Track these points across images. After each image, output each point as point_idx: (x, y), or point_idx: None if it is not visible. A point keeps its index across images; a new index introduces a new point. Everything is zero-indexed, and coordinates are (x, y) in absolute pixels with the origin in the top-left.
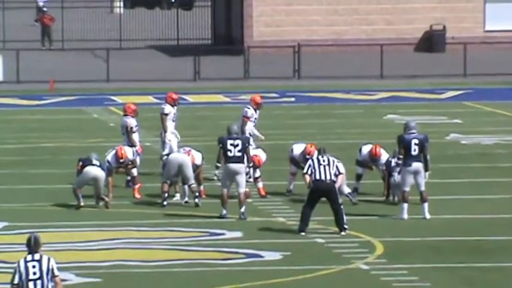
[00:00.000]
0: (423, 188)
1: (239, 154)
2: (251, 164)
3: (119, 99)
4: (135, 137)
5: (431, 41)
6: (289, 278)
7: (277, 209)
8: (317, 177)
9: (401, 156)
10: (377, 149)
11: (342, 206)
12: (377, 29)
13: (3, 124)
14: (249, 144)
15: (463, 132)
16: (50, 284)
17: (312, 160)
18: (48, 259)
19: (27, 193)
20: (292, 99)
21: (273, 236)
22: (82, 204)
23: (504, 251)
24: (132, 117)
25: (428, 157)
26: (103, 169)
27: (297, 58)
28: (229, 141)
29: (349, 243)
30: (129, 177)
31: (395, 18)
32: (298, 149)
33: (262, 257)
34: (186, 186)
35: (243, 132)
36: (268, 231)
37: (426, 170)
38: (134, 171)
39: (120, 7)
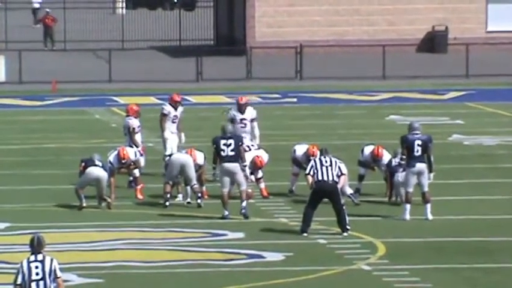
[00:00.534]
0: (426, 189)
1: (232, 153)
2: (245, 164)
3: (121, 100)
4: (137, 137)
5: (433, 42)
6: (291, 278)
7: (280, 210)
8: (319, 178)
9: (404, 157)
10: (379, 150)
11: (344, 207)
12: (379, 29)
13: (6, 125)
14: (242, 143)
15: (465, 133)
16: (53, 285)
17: (315, 161)
18: (51, 260)
19: (29, 194)
20: (295, 99)
21: (275, 236)
22: (84, 204)
23: (507, 252)
24: (135, 118)
25: (432, 158)
26: (105, 170)
27: (299, 59)
28: (222, 141)
29: (351, 244)
30: (131, 178)
31: (397, 19)
32: (300, 149)
33: (264, 257)
34: (188, 187)
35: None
36: (270, 232)
37: (430, 171)
38: (137, 172)
39: (122, 8)
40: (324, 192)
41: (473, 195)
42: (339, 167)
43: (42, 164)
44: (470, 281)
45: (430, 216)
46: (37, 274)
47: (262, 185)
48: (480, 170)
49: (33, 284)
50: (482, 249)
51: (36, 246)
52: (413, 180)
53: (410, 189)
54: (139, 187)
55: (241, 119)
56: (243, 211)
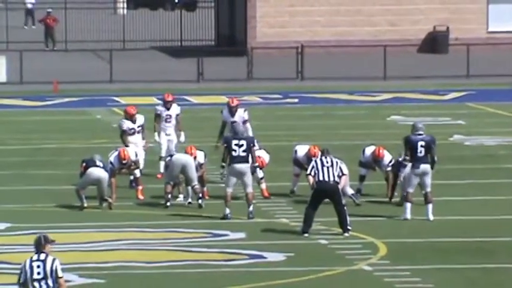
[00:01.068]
0: (428, 190)
1: (243, 154)
2: (256, 165)
3: (122, 100)
4: (134, 138)
5: (435, 42)
6: (293, 279)
7: (281, 210)
8: (320, 178)
9: (408, 158)
10: (380, 151)
11: (345, 207)
12: (381, 30)
13: (7, 125)
14: (254, 144)
15: (466, 134)
16: (55, 285)
17: (316, 161)
18: (53, 260)
19: (30, 194)
20: (296, 100)
21: (277, 237)
22: (85, 205)
23: (508, 252)
24: (128, 119)
25: (436, 158)
26: (106, 170)
27: (300, 59)
28: (234, 141)
29: (352, 244)
30: (132, 178)
31: (398, 19)
32: (301, 150)
33: (265, 258)
34: (189, 187)
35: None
36: (271, 232)
37: (431, 169)
38: (137, 172)
39: (123, 8)
40: (325, 192)
41: (474, 195)
42: (340, 168)
43: (43, 164)
44: (471, 281)
45: (431, 217)
46: (38, 273)
47: (264, 186)
48: (481, 170)
49: (35, 283)
50: (484, 249)
51: (37, 245)
52: (415, 181)
53: (411, 190)
54: (140, 187)
55: (232, 122)
56: (251, 215)
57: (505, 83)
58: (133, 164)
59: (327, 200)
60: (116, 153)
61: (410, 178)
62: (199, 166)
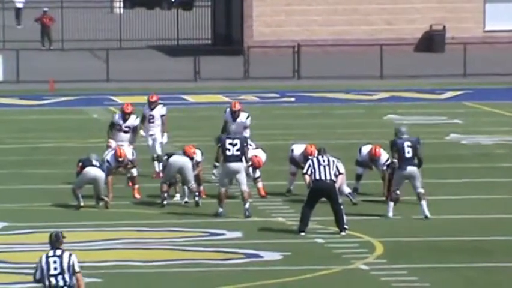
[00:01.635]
0: (419, 190)
1: (237, 153)
2: (250, 164)
3: (119, 100)
4: (120, 135)
5: (431, 41)
6: (289, 278)
7: (277, 209)
8: (317, 177)
9: (395, 160)
10: (377, 149)
11: (342, 206)
12: (377, 29)
13: (3, 124)
14: (247, 144)
15: (462, 133)
16: (72, 280)
17: (312, 160)
18: (70, 255)
19: (27, 193)
20: (292, 99)
21: (273, 236)
22: (81, 204)
23: (504, 251)
24: (121, 115)
25: (422, 158)
26: (102, 170)
27: (297, 58)
28: (228, 141)
29: (349, 243)
30: (128, 175)
31: (394, 18)
32: (298, 149)
33: (262, 257)
34: (186, 187)
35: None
36: (268, 231)
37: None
38: (134, 171)
39: (120, 7)
40: (322, 191)
41: (471, 194)
42: (336, 167)
43: (40, 163)
44: (468, 281)
45: (428, 213)
46: (55, 269)
47: (260, 185)
48: (477, 169)
49: (52, 279)
50: (480, 248)
51: (54, 241)
52: (402, 182)
53: (398, 191)
54: (136, 186)
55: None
56: (247, 213)
57: (502, 82)
58: (129, 162)
59: (323, 199)
60: (113, 152)
61: (397, 179)
62: (196, 164)
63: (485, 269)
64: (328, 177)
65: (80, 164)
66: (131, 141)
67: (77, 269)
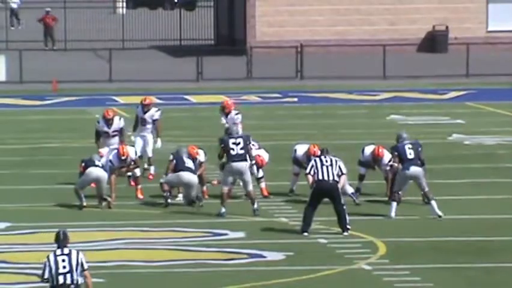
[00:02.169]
0: (426, 189)
1: (242, 152)
2: (254, 162)
3: (121, 100)
4: (109, 140)
5: (434, 42)
6: (292, 278)
7: (280, 209)
8: (320, 177)
9: (395, 164)
10: (380, 150)
11: (345, 207)
12: (380, 29)
13: (6, 124)
14: (250, 142)
15: (465, 133)
16: (80, 278)
17: (315, 160)
18: (78, 253)
19: (29, 193)
20: (295, 99)
21: (276, 236)
22: (84, 204)
23: (507, 252)
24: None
25: (423, 159)
26: (105, 170)
27: (299, 58)
28: (231, 140)
29: (352, 243)
30: (129, 174)
31: (397, 19)
32: (301, 149)
33: (264, 257)
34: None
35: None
36: (271, 231)
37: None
38: (138, 171)
39: (123, 7)
40: (325, 191)
41: (474, 195)
42: (339, 167)
43: (43, 163)
44: (470, 281)
45: (440, 213)
46: (64, 267)
47: (263, 185)
48: (480, 169)
49: (61, 277)
50: (483, 248)
51: (62, 240)
52: (405, 182)
53: (400, 191)
54: (139, 187)
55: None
56: (256, 212)
57: (505, 82)
58: (132, 162)
59: (326, 199)
60: (116, 151)
61: (401, 179)
62: (199, 165)
63: (488, 269)
64: (331, 178)
65: (83, 164)
66: (121, 142)
67: (85, 266)
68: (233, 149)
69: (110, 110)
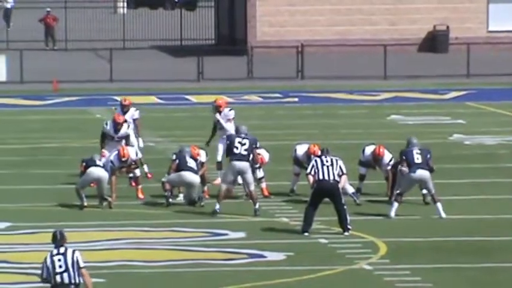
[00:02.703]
0: (433, 191)
1: (245, 153)
2: (257, 166)
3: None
4: (113, 143)
5: (435, 42)
6: (293, 278)
7: (281, 209)
8: (320, 177)
9: (404, 168)
10: (380, 149)
11: (345, 207)
12: (380, 29)
13: (7, 124)
14: (256, 145)
15: (466, 133)
16: (77, 276)
17: (316, 160)
18: (73, 251)
19: (30, 193)
20: (296, 99)
21: (276, 236)
22: (85, 204)
23: (508, 251)
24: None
25: (432, 166)
26: (106, 170)
27: (300, 58)
28: (238, 139)
29: (352, 243)
30: (131, 175)
31: (398, 19)
32: (301, 149)
33: (265, 257)
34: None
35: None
36: (271, 231)
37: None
38: (138, 172)
39: (123, 7)
40: (325, 191)
41: (474, 194)
42: (340, 167)
43: (43, 163)
44: (471, 281)
45: (443, 214)
46: (60, 267)
47: (264, 185)
48: (481, 169)
49: (58, 277)
50: (484, 248)
51: (58, 239)
52: (410, 185)
53: (403, 192)
54: (140, 187)
55: (216, 120)
56: (258, 213)
57: (505, 82)
58: (133, 163)
59: (327, 199)
60: (116, 152)
61: (406, 181)
62: (201, 165)
63: (488, 269)
64: (331, 178)
65: (84, 164)
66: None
67: (81, 264)
68: (237, 148)
69: (122, 115)
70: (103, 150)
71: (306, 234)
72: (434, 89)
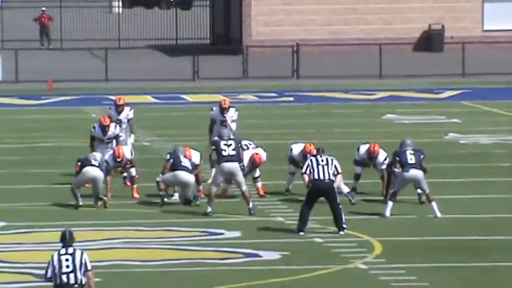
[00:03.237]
0: (427, 191)
1: (233, 153)
2: (243, 164)
3: None
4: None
5: (430, 41)
6: (288, 277)
7: (276, 209)
8: (316, 176)
9: (397, 170)
10: (375, 147)
11: (340, 206)
12: (376, 28)
13: (2, 124)
14: (241, 145)
15: (461, 132)
16: (83, 278)
17: (311, 160)
18: (82, 253)
19: (25, 193)
20: (291, 98)
21: (272, 235)
22: (80, 203)
23: (503, 251)
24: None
25: (426, 167)
26: (101, 169)
27: (295, 57)
28: (223, 142)
29: (348, 242)
30: (125, 174)
31: (393, 18)
32: (297, 148)
33: (260, 256)
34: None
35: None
36: (266, 230)
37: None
38: (133, 171)
39: (119, 7)
40: (321, 191)
41: (469, 194)
42: (335, 166)
43: (39, 163)
44: (466, 280)
45: (439, 214)
46: (67, 267)
47: (259, 184)
48: (476, 168)
49: (64, 277)
50: (479, 248)
51: (68, 239)
52: (404, 184)
53: (397, 191)
54: (135, 186)
55: (222, 121)
56: (252, 212)
57: (500, 81)
58: (128, 162)
59: (322, 198)
60: (111, 151)
61: (400, 181)
62: (194, 166)
63: (483, 268)
64: (326, 177)
65: (79, 163)
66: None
67: (89, 267)
68: (224, 150)
69: (108, 117)
70: (94, 153)
71: (301, 233)
72: (429, 88)
